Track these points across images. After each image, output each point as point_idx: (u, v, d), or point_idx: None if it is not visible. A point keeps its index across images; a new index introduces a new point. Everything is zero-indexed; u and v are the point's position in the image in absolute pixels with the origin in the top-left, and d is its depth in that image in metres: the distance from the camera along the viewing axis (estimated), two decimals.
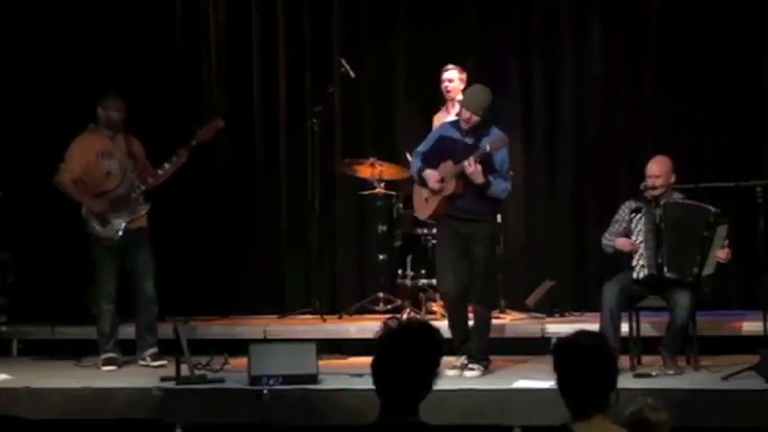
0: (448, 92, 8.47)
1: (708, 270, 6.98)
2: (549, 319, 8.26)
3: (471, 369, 6.98)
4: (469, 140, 7.04)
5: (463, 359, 7.03)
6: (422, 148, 7.32)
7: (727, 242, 7.03)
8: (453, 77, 8.42)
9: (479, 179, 6.89)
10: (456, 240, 7.09)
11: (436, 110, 8.81)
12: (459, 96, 8.49)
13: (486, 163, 6.94)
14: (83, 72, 9.22)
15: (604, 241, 7.26)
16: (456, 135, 7.12)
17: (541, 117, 9.11)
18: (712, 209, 7.02)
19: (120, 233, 7.58)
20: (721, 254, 7.00)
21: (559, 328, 7.81)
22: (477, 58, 8.91)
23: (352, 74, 8.71)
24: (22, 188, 9.15)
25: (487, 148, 6.90)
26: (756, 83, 8.62)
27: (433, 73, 8.67)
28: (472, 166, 6.86)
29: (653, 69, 8.86)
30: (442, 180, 7.05)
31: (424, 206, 7.28)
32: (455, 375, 6.91)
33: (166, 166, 7.64)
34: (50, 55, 9.31)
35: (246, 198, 9.40)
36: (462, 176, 6.95)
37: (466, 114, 7.04)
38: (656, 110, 8.87)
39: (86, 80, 9.17)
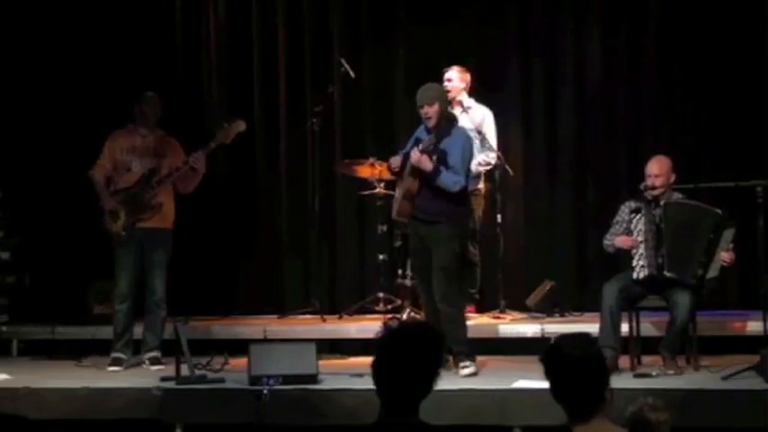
0: (448, 92, 8.47)
1: (712, 273, 6.98)
2: (548, 319, 8.26)
3: (464, 367, 6.97)
4: (433, 140, 7.05)
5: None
6: (403, 149, 7.40)
7: (732, 246, 7.03)
8: (453, 77, 8.46)
9: (427, 166, 6.92)
10: (417, 243, 7.17)
11: None
12: (459, 97, 8.54)
13: (441, 160, 6.97)
14: (82, 73, 9.23)
15: (605, 242, 7.28)
16: (424, 136, 7.17)
17: (541, 117, 9.11)
18: (719, 211, 7.02)
19: (126, 230, 7.58)
20: (726, 256, 7.00)
21: (559, 328, 7.81)
22: (476, 57, 8.91)
23: (352, 74, 8.71)
24: (22, 188, 9.16)
25: (419, 146, 6.99)
26: (756, 83, 8.62)
27: (433, 73, 8.66)
28: (416, 155, 6.94)
29: (653, 69, 8.87)
30: (401, 167, 7.16)
31: (395, 204, 7.35)
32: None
33: (180, 167, 7.65)
34: (50, 56, 9.31)
35: (246, 198, 9.40)
36: (416, 172, 7.00)
37: (421, 111, 7.10)
38: (656, 109, 8.87)
39: (86, 81, 9.19)
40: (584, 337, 3.67)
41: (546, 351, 3.63)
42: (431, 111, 7.06)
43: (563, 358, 3.56)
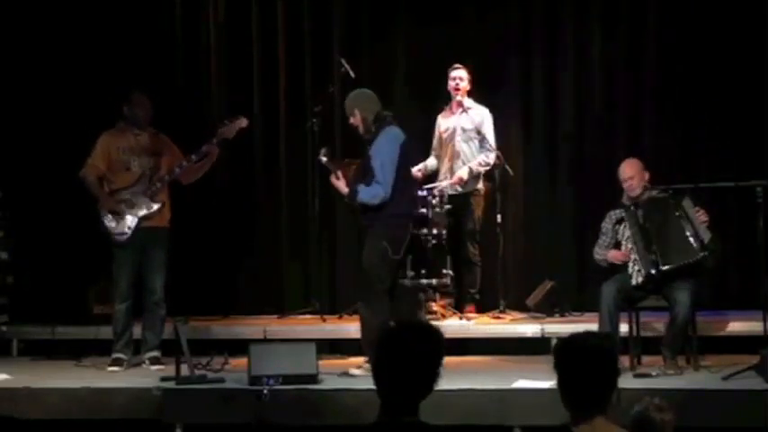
0: (457, 90, 8.50)
1: (706, 236, 7.00)
2: (549, 319, 8.26)
3: (359, 366, 6.97)
4: (368, 146, 7.13)
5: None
6: None
7: (697, 207, 7.07)
8: (464, 76, 8.50)
9: (342, 190, 7.17)
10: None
11: (439, 110, 8.82)
12: (459, 97, 8.55)
13: (366, 168, 7.02)
14: (82, 73, 9.23)
15: (596, 256, 7.33)
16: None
17: (541, 117, 9.11)
18: (669, 192, 7.11)
19: (131, 229, 7.58)
20: (702, 216, 7.04)
21: (559, 328, 7.82)
22: (476, 57, 8.91)
23: (352, 74, 8.70)
24: (22, 188, 9.16)
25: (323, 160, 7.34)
26: (756, 83, 8.62)
27: (433, 72, 8.69)
28: (332, 180, 7.21)
29: (653, 68, 8.87)
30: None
31: None
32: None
33: (183, 165, 7.66)
34: (50, 56, 9.31)
35: (246, 198, 9.40)
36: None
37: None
38: (656, 109, 8.87)
39: (86, 81, 9.19)
40: (602, 333, 3.68)
41: (561, 341, 3.61)
42: (354, 121, 7.12)
43: (579, 348, 3.53)
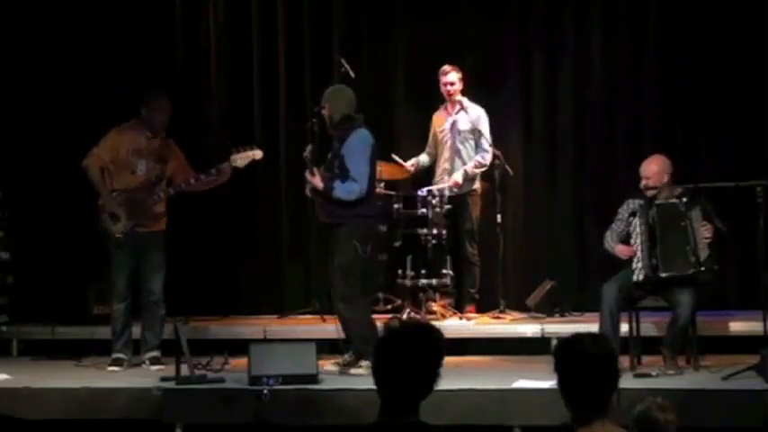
0: (450, 94, 8.51)
1: (703, 253, 7.00)
2: (549, 319, 8.26)
3: (359, 366, 6.99)
4: (336, 144, 7.18)
5: (346, 357, 7.11)
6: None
7: (705, 222, 7.05)
8: (455, 80, 8.50)
9: (318, 185, 7.13)
10: (328, 246, 7.25)
11: (435, 109, 8.82)
12: (458, 97, 8.56)
13: (341, 166, 7.05)
14: (82, 73, 9.22)
15: (606, 244, 7.31)
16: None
17: (541, 116, 9.10)
18: (681, 200, 7.06)
19: (126, 234, 7.54)
20: (705, 232, 7.03)
21: (559, 328, 7.82)
22: (476, 56, 8.91)
23: (352, 74, 8.69)
24: (22, 188, 9.15)
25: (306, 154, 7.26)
26: (756, 83, 8.62)
27: (433, 72, 8.67)
28: (308, 176, 7.18)
29: (653, 68, 8.87)
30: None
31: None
32: (335, 370, 7.03)
33: (192, 182, 7.64)
34: (50, 56, 9.29)
35: (246, 198, 9.39)
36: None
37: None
38: (656, 109, 8.87)
39: (86, 81, 9.18)
40: (600, 335, 3.67)
41: (561, 344, 3.60)
42: (325, 113, 7.22)
43: (578, 351, 3.52)
